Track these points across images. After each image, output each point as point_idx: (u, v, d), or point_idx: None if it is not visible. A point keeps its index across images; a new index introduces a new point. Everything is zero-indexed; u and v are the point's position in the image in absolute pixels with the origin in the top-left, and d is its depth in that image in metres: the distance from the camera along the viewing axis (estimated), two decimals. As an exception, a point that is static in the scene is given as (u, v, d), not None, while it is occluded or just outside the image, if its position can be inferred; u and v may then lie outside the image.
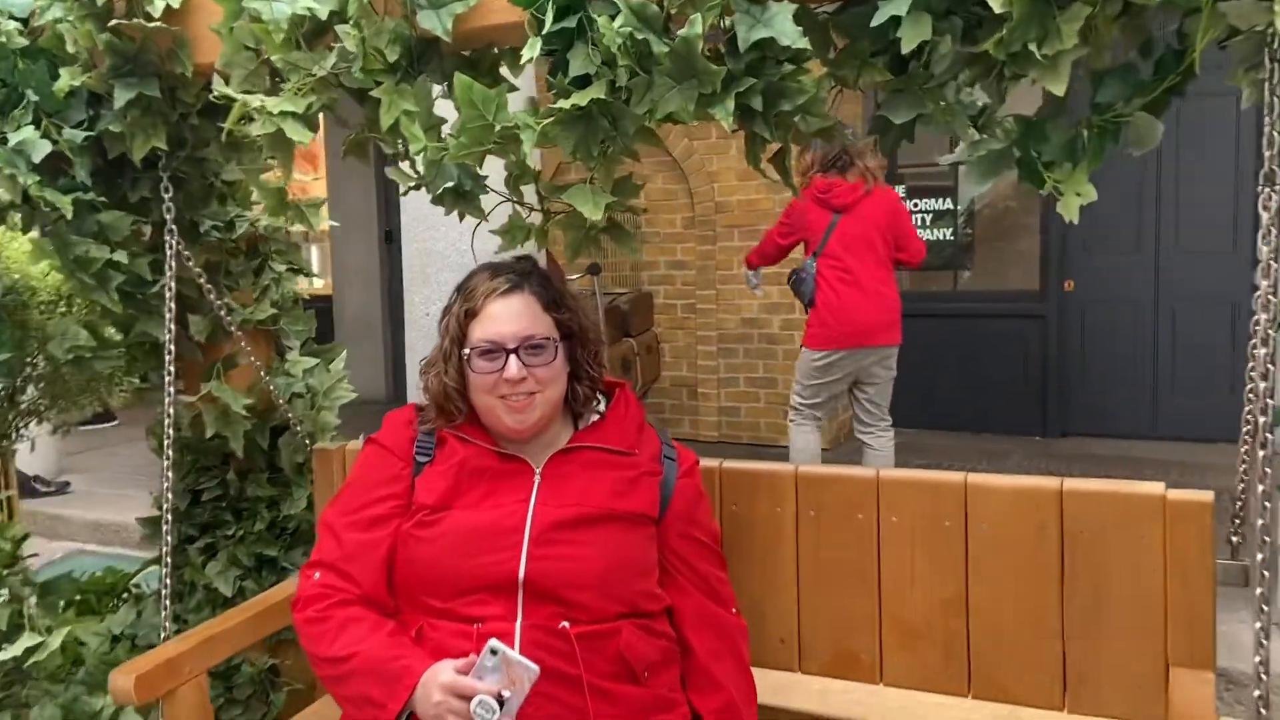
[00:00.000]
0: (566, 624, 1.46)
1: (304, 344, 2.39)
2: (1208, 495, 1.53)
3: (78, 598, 2.46)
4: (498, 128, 1.40)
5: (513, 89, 1.50)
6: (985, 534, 1.64)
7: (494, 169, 1.55)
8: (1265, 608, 1.31)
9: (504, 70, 1.64)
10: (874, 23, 1.23)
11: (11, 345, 2.15)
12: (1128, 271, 5.77)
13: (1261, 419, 1.32)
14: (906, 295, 6.40)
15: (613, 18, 1.30)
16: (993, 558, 1.64)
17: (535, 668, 1.34)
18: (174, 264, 1.90)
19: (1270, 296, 1.25)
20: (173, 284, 1.91)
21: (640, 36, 1.28)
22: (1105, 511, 1.57)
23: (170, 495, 1.96)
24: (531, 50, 1.37)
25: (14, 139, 1.73)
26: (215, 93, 1.55)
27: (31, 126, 1.75)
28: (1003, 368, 6.03)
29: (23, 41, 1.75)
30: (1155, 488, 1.55)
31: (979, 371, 6.07)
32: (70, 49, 1.72)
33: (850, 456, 4.51)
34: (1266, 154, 1.21)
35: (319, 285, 9.07)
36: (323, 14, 1.49)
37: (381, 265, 8.06)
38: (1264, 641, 1.34)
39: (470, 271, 1.63)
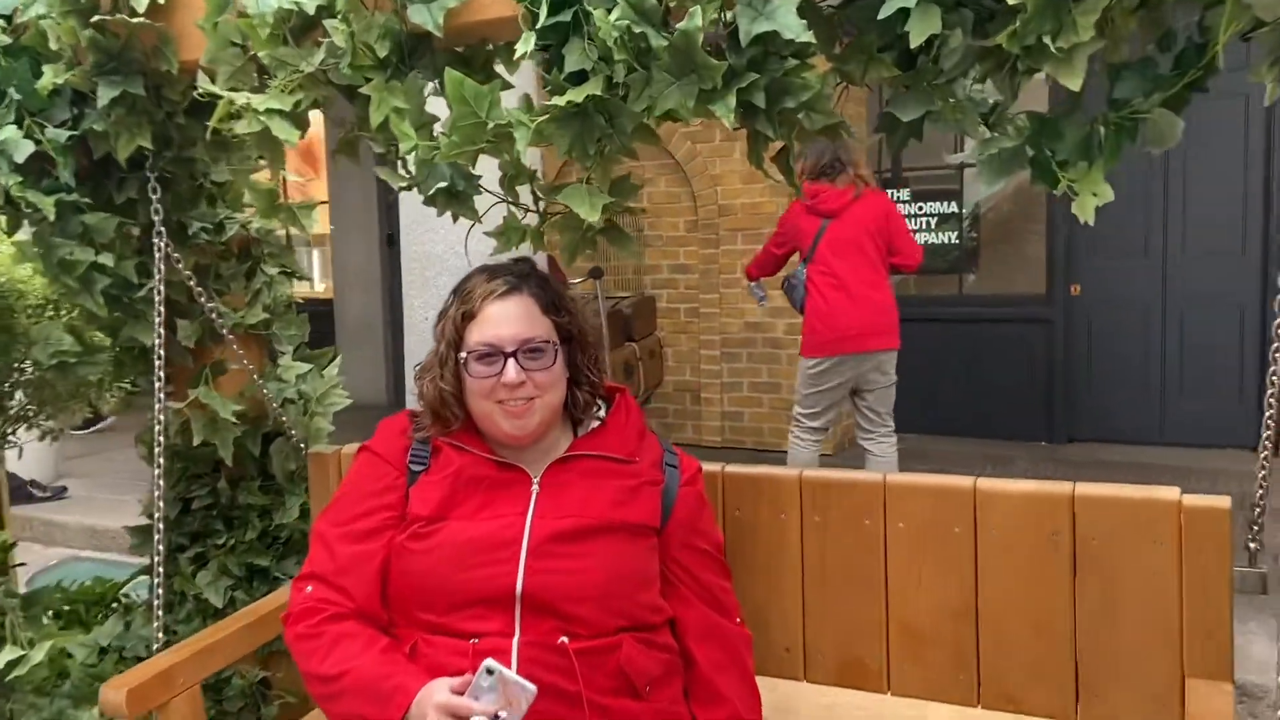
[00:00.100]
0: (565, 639, 1.42)
1: (297, 349, 2.34)
2: (1225, 501, 1.49)
3: (66, 608, 2.41)
4: (490, 125, 1.35)
5: (507, 86, 1.45)
6: (995, 540, 1.61)
7: (490, 169, 1.51)
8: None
9: (500, 69, 1.60)
10: (881, 15, 1.18)
11: (-2, 350, 2.12)
12: (1135, 275, 5.72)
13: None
14: (911, 299, 6.43)
15: (609, 11, 1.25)
16: (1003, 565, 1.60)
17: (532, 688, 1.30)
18: (162, 267, 1.85)
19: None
20: (161, 287, 1.87)
21: (638, 30, 1.24)
22: (1119, 517, 1.54)
23: (161, 504, 1.91)
24: (525, 45, 1.32)
25: (-4, 139, 1.69)
26: (200, 90, 1.50)
27: (14, 126, 1.71)
28: (1008, 372, 5.98)
29: (5, 39, 1.71)
30: (1170, 493, 1.52)
31: (984, 376, 6.02)
32: (53, 46, 1.68)
33: (854, 462, 4.47)
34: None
35: (320, 288, 9.05)
36: (310, 8, 1.45)
37: (383, 268, 8.03)
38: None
39: (467, 274, 1.58)
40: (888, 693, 1.70)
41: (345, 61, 1.42)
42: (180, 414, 2.14)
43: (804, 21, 1.20)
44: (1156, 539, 1.51)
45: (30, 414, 2.32)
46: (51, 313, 2.22)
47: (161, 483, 1.87)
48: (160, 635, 1.88)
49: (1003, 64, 1.21)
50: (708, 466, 1.74)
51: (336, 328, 8.20)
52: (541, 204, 1.56)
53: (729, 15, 1.24)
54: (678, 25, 1.23)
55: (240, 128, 1.48)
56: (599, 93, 1.28)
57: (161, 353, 1.86)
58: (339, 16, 1.43)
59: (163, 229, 1.85)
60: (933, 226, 6.28)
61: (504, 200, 1.56)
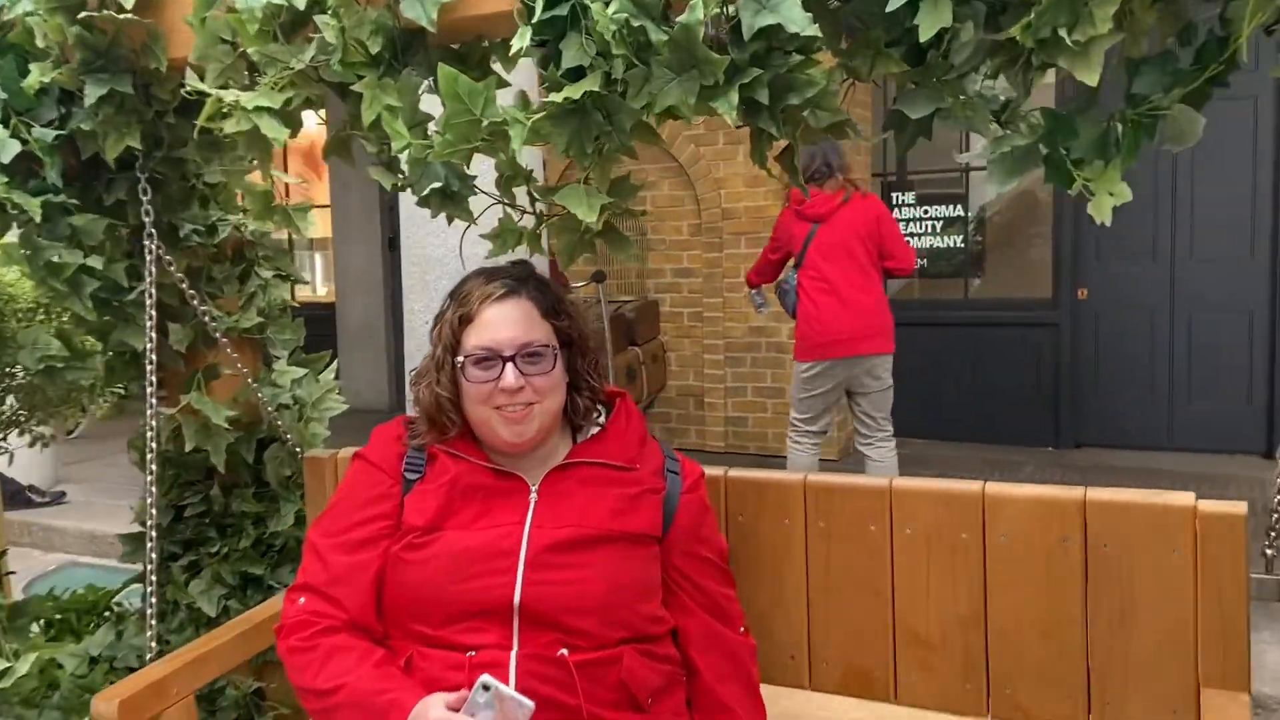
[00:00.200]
0: (565, 651, 1.38)
1: (292, 353, 2.30)
2: (1241, 507, 1.45)
3: (58, 617, 2.37)
4: (485, 123, 1.31)
5: (504, 84, 1.41)
6: (1004, 546, 1.57)
7: (488, 169, 1.47)
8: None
9: (498, 67, 1.56)
10: (889, 8, 1.14)
11: (-14, 354, 2.08)
12: (1142, 278, 5.67)
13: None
14: (916, 303, 6.40)
15: (607, 4, 1.20)
16: (1012, 571, 1.57)
17: (530, 703, 1.27)
18: (154, 269, 1.81)
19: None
20: (153, 290, 1.83)
21: (637, 24, 1.19)
22: (1132, 523, 1.50)
23: (154, 511, 1.87)
24: (521, 40, 1.28)
25: (-19, 138, 1.66)
26: (188, 88, 1.46)
27: (0, 125, 1.67)
28: (1014, 377, 5.93)
29: (-9, 37, 1.67)
30: (1185, 498, 1.48)
31: (990, 381, 5.98)
32: (40, 44, 1.64)
33: (858, 467, 4.44)
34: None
35: (322, 292, 9.03)
36: (300, 3, 1.41)
37: (384, 272, 8.00)
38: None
39: (464, 276, 1.55)
40: (894, 701, 1.67)
41: (336, 58, 1.38)
42: (172, 420, 2.10)
43: (809, 15, 1.16)
44: (1171, 545, 1.48)
45: (21, 419, 2.28)
46: (43, 316, 2.18)
47: (154, 489, 1.82)
48: (153, 645, 1.84)
49: (1016, 59, 1.16)
50: (710, 471, 1.71)
51: (338, 331, 8.18)
52: (539, 206, 1.52)
53: (731, 8, 1.20)
54: (678, 19, 1.19)
55: (229, 126, 1.43)
56: (597, 89, 1.23)
57: (153, 357, 1.82)
58: (330, 12, 1.39)
59: (154, 231, 1.81)
60: (938, 230, 6.23)
61: (500, 202, 1.52)
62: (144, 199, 1.79)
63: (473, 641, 1.38)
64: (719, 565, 1.57)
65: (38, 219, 1.69)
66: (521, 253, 1.56)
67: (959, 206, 6.18)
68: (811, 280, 4.18)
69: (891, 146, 6.22)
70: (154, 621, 1.80)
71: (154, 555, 1.82)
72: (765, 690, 1.57)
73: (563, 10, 1.24)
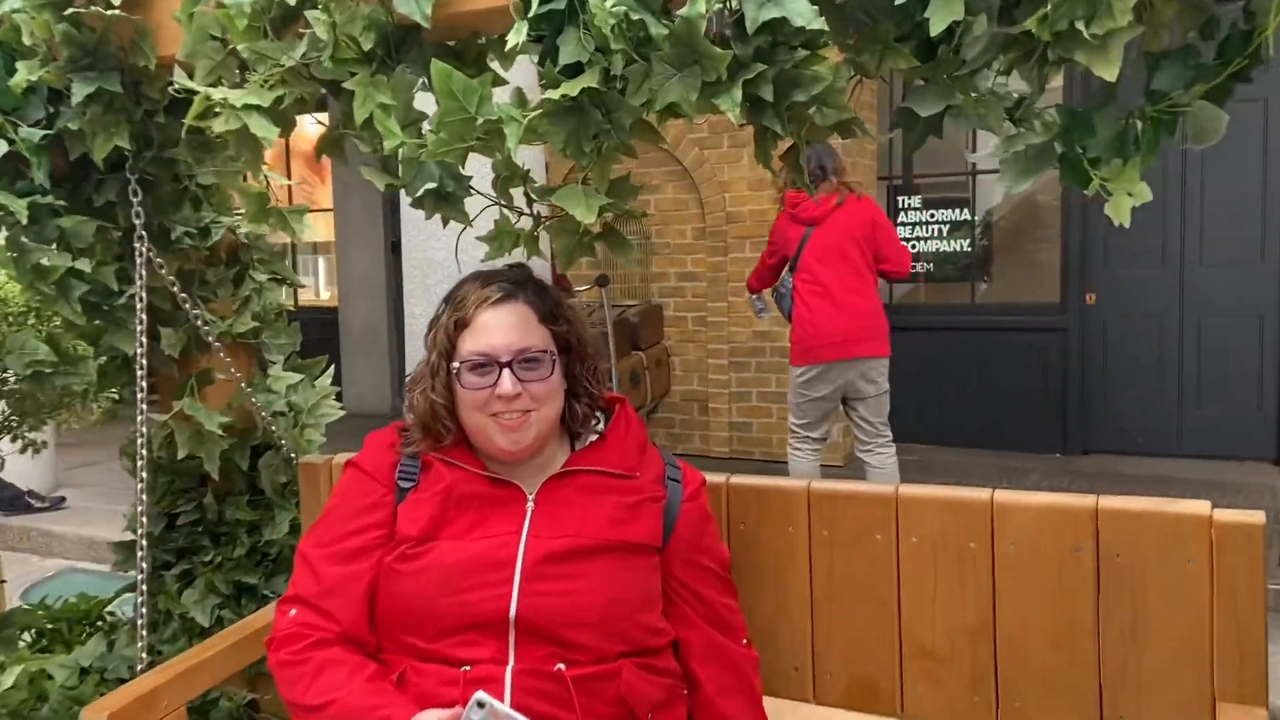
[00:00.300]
0: (562, 666, 1.34)
1: (288, 358, 2.26)
2: (1258, 516, 1.42)
3: (49, 626, 2.33)
4: (480, 121, 1.26)
5: (501, 82, 1.36)
6: (1013, 556, 1.54)
7: (485, 169, 1.43)
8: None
9: (496, 65, 1.51)
10: (898, 0, 1.09)
11: (-23, 359, 2.04)
12: (1151, 283, 5.62)
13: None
14: (922, 308, 6.36)
15: (606, -3, 1.16)
16: (1021, 581, 1.54)
17: None
18: (144, 272, 1.77)
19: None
20: (143, 294, 1.79)
21: (636, 17, 1.15)
22: (1145, 532, 1.47)
23: (145, 519, 1.83)
24: (518, 35, 1.23)
25: (-33, 139, 1.62)
26: (176, 85, 1.42)
27: (-14, 125, 1.63)
28: (1022, 382, 5.88)
29: (-22, 35, 1.63)
30: (1200, 507, 1.45)
31: (997, 386, 5.93)
32: (27, 41, 1.60)
33: (862, 474, 4.38)
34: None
35: (325, 296, 9.01)
36: (291, -2, 1.37)
37: (387, 276, 7.97)
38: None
39: (459, 280, 1.50)
40: (900, 714, 1.64)
41: (327, 54, 1.34)
42: (165, 426, 2.06)
43: (815, 8, 1.12)
44: (1186, 555, 1.44)
45: (13, 424, 2.24)
46: (34, 320, 2.14)
47: (144, 497, 1.78)
48: (144, 655, 1.80)
49: (1030, 53, 1.12)
50: (712, 478, 1.67)
51: (341, 335, 8.16)
52: (537, 207, 1.47)
53: (734, 2, 1.15)
54: (679, 12, 1.15)
55: (218, 125, 1.39)
56: (595, 86, 1.19)
57: (144, 362, 1.78)
58: (321, 7, 1.35)
59: (144, 233, 1.77)
60: (944, 234, 6.19)
61: (497, 203, 1.48)
62: (134, 200, 1.75)
63: (467, 656, 1.34)
64: (721, 575, 1.53)
65: (24, 220, 1.65)
66: (519, 255, 1.52)
67: (965, 210, 6.13)
68: (805, 284, 4.16)
69: (897, 149, 6.18)
70: (144, 632, 1.76)
71: (145, 564, 1.77)
72: (768, 703, 1.54)
73: (560, 4, 1.20)
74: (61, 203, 1.73)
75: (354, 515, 1.46)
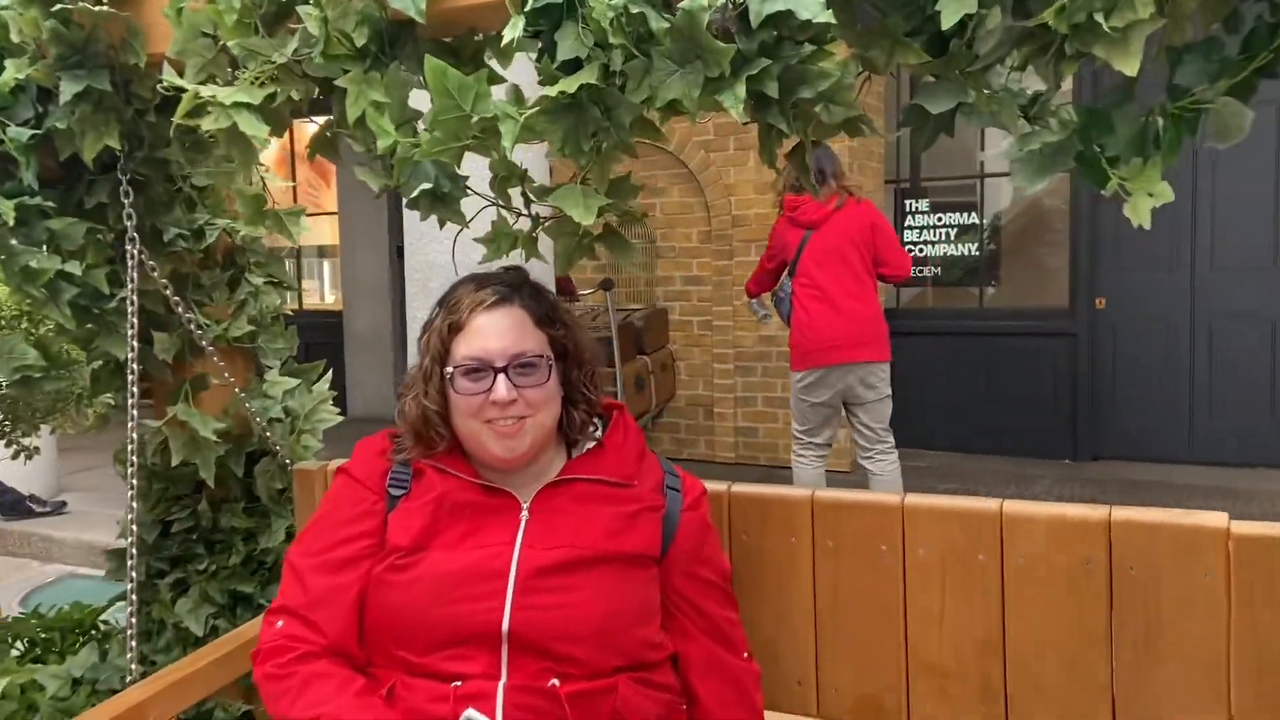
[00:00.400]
0: (556, 681, 1.29)
1: (285, 363, 2.22)
2: (1277, 528, 1.37)
3: (42, 635, 2.29)
4: (475, 119, 1.22)
5: (498, 79, 1.32)
6: (1023, 569, 1.49)
7: (483, 169, 1.39)
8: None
9: (495, 64, 1.47)
10: (909, -8, 1.05)
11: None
12: (1162, 288, 5.57)
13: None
14: (930, 313, 6.32)
15: (605, -11, 1.12)
16: (1032, 595, 1.49)
17: None
18: (135, 275, 1.73)
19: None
20: (135, 298, 1.75)
21: (636, 10, 1.11)
22: (1160, 545, 1.42)
23: (135, 527, 1.79)
24: (514, 30, 1.19)
25: (-47, 138, 1.58)
26: (164, 83, 1.38)
27: (-28, 125, 1.60)
28: (1031, 388, 5.83)
29: (-36, 33, 1.59)
30: (1217, 519, 1.40)
31: (1006, 392, 5.88)
32: (15, 39, 1.56)
33: (865, 481, 4.33)
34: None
35: (330, 300, 9.00)
36: (282, -7, 1.33)
37: (392, 280, 7.95)
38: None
39: (454, 283, 1.46)
40: (907, 731, 1.59)
41: (318, 50, 1.30)
42: (159, 432, 2.02)
43: (822, 0, 1.07)
44: (1202, 569, 1.39)
45: (5, 430, 2.21)
46: (27, 324, 2.11)
47: (135, 505, 1.74)
48: (134, 667, 1.76)
49: (1047, 47, 1.07)
50: (713, 487, 1.63)
51: (345, 339, 8.14)
52: (536, 208, 1.43)
53: (738, -5, 1.11)
54: (680, 5, 1.11)
55: (207, 123, 1.35)
56: (594, 82, 1.15)
57: (135, 367, 1.74)
58: (312, 2, 1.31)
59: (135, 235, 1.73)
60: (952, 238, 6.15)
61: (494, 204, 1.44)
62: (125, 201, 1.71)
63: (458, 670, 1.30)
64: (721, 587, 1.49)
65: (11, 222, 1.62)
66: (517, 258, 1.48)
67: (973, 214, 6.09)
68: (804, 288, 4.12)
69: (904, 152, 6.13)
70: (134, 643, 1.72)
71: (135, 573, 1.73)
72: (770, 719, 1.52)
73: (558, -3, 1.16)
74: (51, 204, 1.70)
75: (343, 524, 1.42)
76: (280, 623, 1.38)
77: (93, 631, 2.34)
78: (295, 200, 8.35)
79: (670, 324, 6.17)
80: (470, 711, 1.20)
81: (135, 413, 1.76)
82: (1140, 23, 0.99)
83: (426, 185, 1.36)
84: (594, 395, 1.48)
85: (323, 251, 9.02)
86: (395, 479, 1.43)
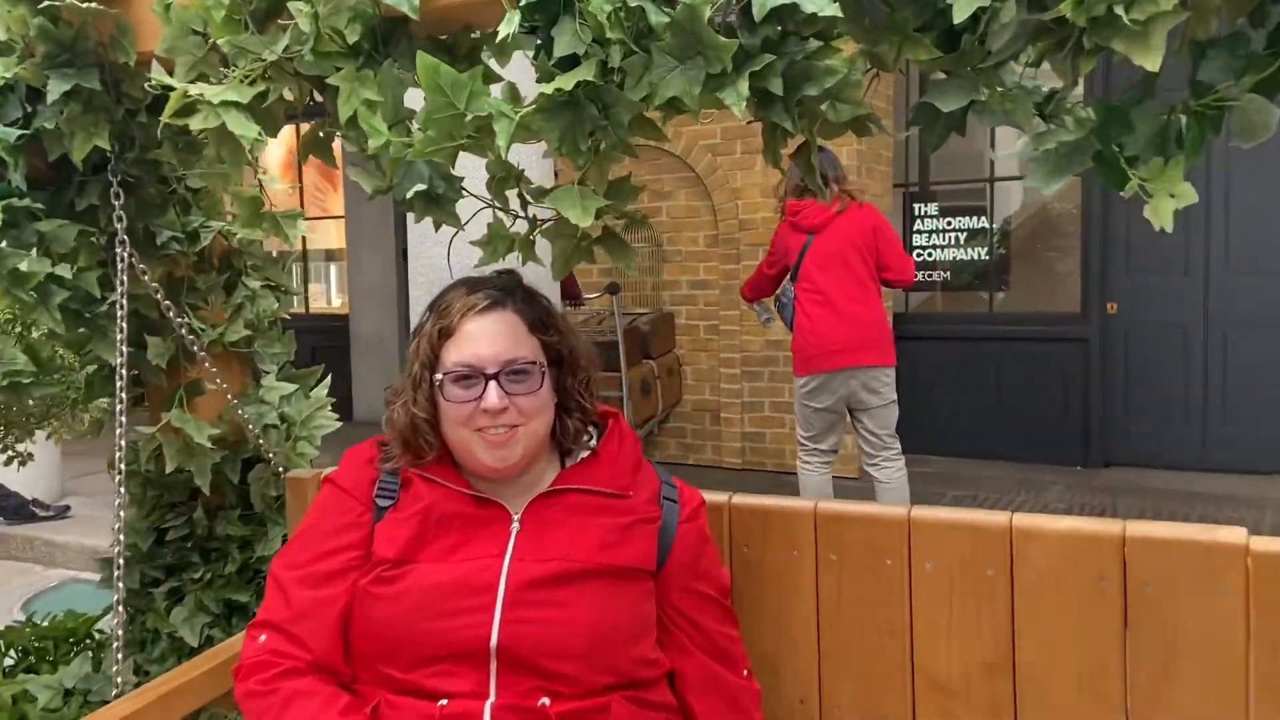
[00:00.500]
0: (546, 700, 1.25)
1: (282, 368, 2.18)
2: (1299, 544, 1.33)
3: (36, 644, 2.25)
4: (469, 118, 1.18)
5: (495, 78, 1.28)
6: (1034, 585, 1.44)
7: (480, 170, 1.35)
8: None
9: (493, 63, 1.43)
10: (919, -15, 1.01)
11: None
12: (1175, 293, 5.51)
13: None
14: (939, 317, 6.26)
15: (602, -17, 1.08)
16: (1043, 613, 1.44)
17: None
18: (124, 279, 1.69)
19: None
20: (124, 301, 1.71)
21: (634, 4, 1.07)
22: (1176, 561, 1.37)
23: (122, 537, 1.76)
24: (509, 25, 1.15)
25: (-59, 139, 1.55)
26: (152, 81, 1.35)
27: (-41, 125, 1.56)
28: (1041, 394, 5.77)
29: (-49, 31, 1.56)
30: (1236, 534, 1.35)
31: (1016, 398, 5.82)
32: (2, 36, 1.53)
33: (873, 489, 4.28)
34: None
35: (336, 303, 8.99)
36: (272, -12, 1.29)
37: (398, 283, 7.94)
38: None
39: (445, 286, 1.42)
40: (912, 753, 1.54)
41: (308, 47, 1.26)
42: (153, 438, 1.99)
43: (828, -7, 1.03)
44: (1220, 587, 1.34)
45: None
46: (20, 329, 2.08)
47: (121, 514, 1.71)
48: (118, 681, 1.72)
49: (1063, 42, 1.03)
50: (713, 498, 1.59)
51: (351, 343, 8.13)
52: (533, 210, 1.39)
53: (741, -12, 1.07)
54: (681, -1, 1.06)
55: (195, 123, 1.31)
56: (591, 79, 1.11)
57: (124, 373, 1.71)
58: (303, -3, 1.27)
59: (125, 238, 1.69)
60: (961, 242, 6.09)
61: (490, 205, 1.40)
62: (115, 203, 1.68)
63: (445, 688, 1.26)
64: (720, 602, 1.44)
65: (-1, 225, 1.58)
66: (514, 261, 1.43)
67: (983, 218, 6.04)
68: (806, 292, 4.08)
69: (913, 156, 6.08)
70: (120, 655, 1.68)
71: (121, 584, 1.69)
72: (770, 737, 1.47)
73: (554, -9, 1.12)
74: (40, 206, 1.66)
75: (329, 535, 1.38)
76: (263, 637, 1.34)
77: (87, 640, 2.31)
78: (302, 204, 8.34)
79: (677, 328, 6.13)
80: None
81: (124, 419, 1.72)
82: (1163, 15, 0.94)
83: (420, 186, 1.33)
84: (589, 403, 1.43)
85: (330, 255, 9.02)
86: (383, 489, 1.39)
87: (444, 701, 1.24)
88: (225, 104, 1.30)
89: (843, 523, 1.57)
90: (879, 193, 5.75)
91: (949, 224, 6.12)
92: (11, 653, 2.25)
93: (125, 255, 1.69)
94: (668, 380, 5.88)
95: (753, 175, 5.78)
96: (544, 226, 1.38)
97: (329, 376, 2.28)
